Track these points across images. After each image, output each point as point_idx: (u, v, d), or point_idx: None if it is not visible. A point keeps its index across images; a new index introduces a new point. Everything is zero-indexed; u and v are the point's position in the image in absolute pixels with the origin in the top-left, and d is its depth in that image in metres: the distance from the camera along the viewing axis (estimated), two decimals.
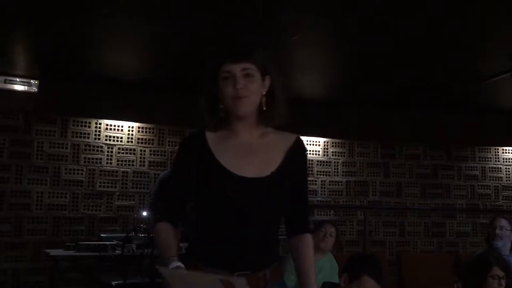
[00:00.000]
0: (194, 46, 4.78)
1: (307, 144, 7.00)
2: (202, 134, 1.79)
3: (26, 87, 5.79)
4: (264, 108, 1.77)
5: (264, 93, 1.77)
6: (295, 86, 6.27)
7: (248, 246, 1.67)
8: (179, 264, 1.57)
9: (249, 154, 1.75)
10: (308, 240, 1.83)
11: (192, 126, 6.47)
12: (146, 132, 6.36)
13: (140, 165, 6.26)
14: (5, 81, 5.67)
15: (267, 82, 1.78)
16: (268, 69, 1.78)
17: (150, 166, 6.34)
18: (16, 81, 5.76)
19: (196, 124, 1.84)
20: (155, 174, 6.27)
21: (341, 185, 7.09)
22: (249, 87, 1.71)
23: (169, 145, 6.43)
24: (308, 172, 1.97)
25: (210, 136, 1.78)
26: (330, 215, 6.96)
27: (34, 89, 5.80)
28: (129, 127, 6.23)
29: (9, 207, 5.63)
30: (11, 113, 5.76)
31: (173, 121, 6.35)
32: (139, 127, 6.30)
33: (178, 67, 5.48)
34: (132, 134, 6.24)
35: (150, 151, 6.37)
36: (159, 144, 6.41)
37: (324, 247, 4.09)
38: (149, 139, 6.37)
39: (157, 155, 6.40)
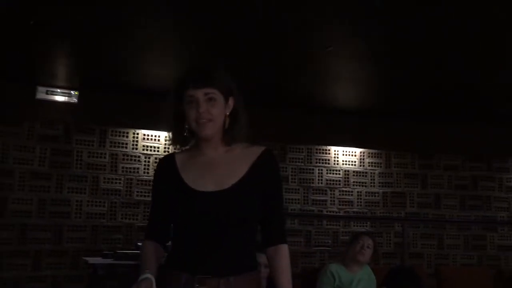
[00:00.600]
0: (229, 56, 4.82)
1: (343, 155, 6.95)
2: (172, 155, 1.96)
3: (66, 98, 5.92)
4: (226, 127, 1.88)
5: (227, 113, 1.88)
6: (331, 96, 6.26)
7: (208, 252, 1.77)
8: (148, 276, 1.71)
9: (212, 169, 1.86)
10: (283, 250, 1.87)
11: None
12: None
13: None
14: (46, 92, 5.81)
15: (231, 103, 1.89)
16: (231, 91, 1.90)
17: None
18: (57, 92, 5.89)
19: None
20: None
21: (378, 196, 7.00)
22: (211, 111, 1.82)
23: None
24: (281, 183, 1.95)
25: (178, 156, 1.93)
26: (366, 226, 6.88)
27: (74, 99, 5.93)
28: (165, 137, 6.27)
29: (50, 215, 5.76)
30: (52, 123, 5.89)
31: None
32: (166, 137, 6.35)
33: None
34: (168, 144, 6.29)
35: None
36: None
37: (362, 259, 4.03)
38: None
39: None
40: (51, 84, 5.80)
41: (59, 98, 5.89)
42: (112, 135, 6.11)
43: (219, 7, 3.74)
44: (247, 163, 1.86)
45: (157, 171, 2.00)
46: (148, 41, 4.53)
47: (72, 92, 5.90)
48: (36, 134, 5.81)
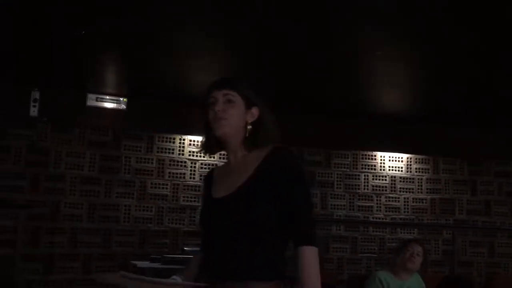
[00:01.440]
0: (275, 62, 4.83)
1: (389, 160, 6.86)
2: (212, 170, 2.08)
3: (115, 104, 6.05)
4: (247, 135, 1.90)
5: (249, 121, 1.90)
6: (377, 101, 6.19)
7: (222, 257, 1.77)
8: (174, 277, 1.86)
9: (229, 175, 1.90)
10: (304, 252, 1.72)
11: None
12: None
13: None
14: (96, 99, 5.96)
15: (255, 112, 1.92)
16: (255, 101, 1.93)
17: None
18: (106, 99, 6.03)
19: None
20: None
21: (426, 202, 6.87)
22: (228, 110, 1.86)
23: None
24: (299, 180, 1.81)
25: (216, 170, 2.05)
26: (414, 233, 6.76)
27: (123, 106, 6.06)
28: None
29: (100, 219, 5.89)
30: (101, 129, 6.04)
31: None
32: None
33: (260, 88, 5.55)
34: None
35: None
36: None
37: (411, 267, 3.97)
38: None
39: None
40: (101, 91, 5.94)
41: (108, 105, 6.02)
42: (159, 141, 6.21)
43: (266, 11, 3.75)
44: (254, 164, 1.83)
45: (203, 184, 2.12)
46: (194, 47, 4.59)
47: (120, 99, 6.03)
48: (86, 140, 5.96)
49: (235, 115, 1.86)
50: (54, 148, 5.81)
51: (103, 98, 5.99)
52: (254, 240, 1.74)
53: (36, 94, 5.64)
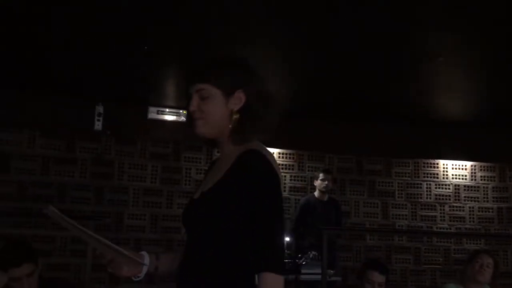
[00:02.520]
0: (335, 72, 4.80)
1: (452, 168, 6.66)
2: (214, 159, 1.85)
3: (175, 117, 6.16)
4: (236, 125, 1.61)
5: (235, 109, 1.62)
6: (439, 108, 6.03)
7: (184, 262, 1.61)
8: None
9: (211, 174, 1.67)
10: (262, 281, 1.44)
11: (328, 151, 6.49)
12: (286, 157, 6.46)
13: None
14: (157, 112, 6.08)
15: (240, 96, 1.62)
16: (238, 84, 1.63)
17: (290, 191, 6.41)
18: (166, 111, 6.15)
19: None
20: (295, 199, 6.32)
21: (492, 211, 6.63)
22: (203, 108, 1.61)
23: (309, 171, 6.46)
24: (262, 192, 1.50)
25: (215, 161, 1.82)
26: (481, 244, 6.52)
27: (183, 118, 6.15)
28: None
29: (161, 230, 5.99)
30: (162, 141, 6.15)
31: (312, 147, 6.40)
32: (279, 153, 6.41)
33: (318, 94, 5.54)
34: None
35: (291, 176, 6.44)
36: (299, 169, 6.47)
37: (482, 279, 3.81)
38: (289, 165, 6.46)
39: (298, 180, 6.46)
40: (161, 104, 6.06)
41: (169, 118, 6.14)
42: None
43: (334, 22, 3.75)
44: (227, 166, 1.58)
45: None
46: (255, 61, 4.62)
47: (180, 111, 6.13)
48: (148, 152, 6.09)
49: (211, 112, 1.61)
50: (118, 160, 5.97)
51: (163, 111, 6.11)
52: (216, 248, 1.54)
53: (100, 109, 5.82)
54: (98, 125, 5.83)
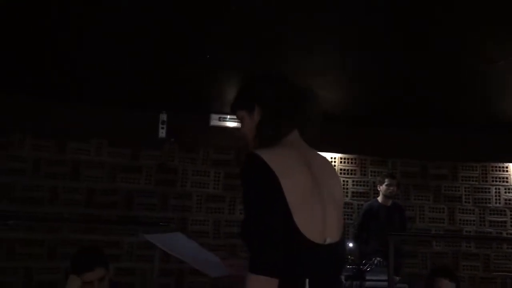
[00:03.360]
0: (401, 80, 4.73)
1: None
2: None
3: (236, 123, 6.22)
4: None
5: (257, 120, 1.79)
6: (507, 110, 5.82)
7: None
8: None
9: None
10: (246, 281, 1.48)
11: (390, 155, 6.38)
12: (348, 162, 6.40)
13: (344, 196, 6.28)
14: (219, 119, 6.17)
15: (257, 112, 1.79)
16: (253, 98, 1.80)
17: (353, 196, 6.34)
18: (227, 118, 6.22)
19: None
20: (358, 204, 6.25)
21: None
22: (241, 131, 1.83)
23: (371, 175, 6.37)
24: (246, 195, 1.56)
25: None
26: None
27: None
28: (331, 157, 6.33)
29: (225, 235, 6.06)
30: (224, 148, 6.23)
31: (375, 151, 6.31)
32: (341, 158, 6.36)
33: (379, 101, 5.47)
34: (334, 165, 6.31)
35: (353, 181, 6.38)
36: (361, 174, 6.40)
37: None
38: (351, 170, 6.39)
39: (360, 185, 6.38)
40: (223, 111, 6.14)
41: (230, 124, 6.21)
42: None
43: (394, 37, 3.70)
44: None
45: None
46: (310, 67, 4.61)
47: None
48: (210, 159, 6.18)
49: (246, 132, 1.82)
50: (181, 167, 6.09)
51: (225, 118, 6.19)
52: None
53: (163, 117, 5.97)
54: (162, 133, 5.97)
